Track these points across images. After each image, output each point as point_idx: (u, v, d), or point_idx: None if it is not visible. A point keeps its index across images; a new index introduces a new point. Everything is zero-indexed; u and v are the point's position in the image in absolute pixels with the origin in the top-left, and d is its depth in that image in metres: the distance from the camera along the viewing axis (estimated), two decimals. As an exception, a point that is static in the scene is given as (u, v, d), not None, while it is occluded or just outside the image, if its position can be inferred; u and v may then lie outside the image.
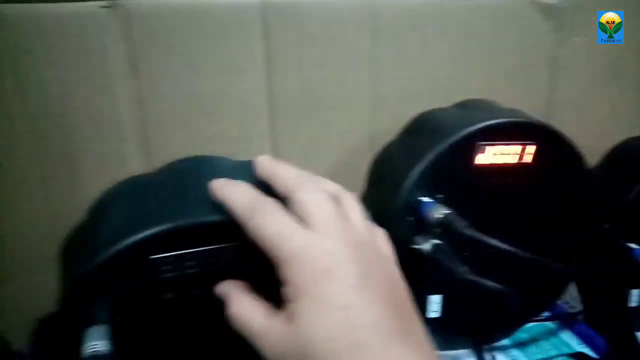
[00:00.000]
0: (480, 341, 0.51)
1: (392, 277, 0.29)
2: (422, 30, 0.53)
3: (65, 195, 0.47)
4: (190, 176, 0.34)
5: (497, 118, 0.44)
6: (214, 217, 0.30)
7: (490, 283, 0.40)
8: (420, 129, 0.48)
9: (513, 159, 0.45)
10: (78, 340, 0.28)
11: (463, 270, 0.40)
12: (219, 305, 0.30)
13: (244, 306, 0.29)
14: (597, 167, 0.56)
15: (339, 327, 0.25)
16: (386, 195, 0.45)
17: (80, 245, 0.33)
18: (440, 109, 0.51)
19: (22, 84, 0.44)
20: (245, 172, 0.32)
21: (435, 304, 0.48)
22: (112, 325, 0.29)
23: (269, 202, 0.29)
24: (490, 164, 0.44)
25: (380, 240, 0.31)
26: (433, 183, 0.43)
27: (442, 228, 0.41)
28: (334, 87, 0.52)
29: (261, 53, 0.49)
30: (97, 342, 0.28)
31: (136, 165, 0.49)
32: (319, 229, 0.27)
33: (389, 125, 0.52)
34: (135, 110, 0.48)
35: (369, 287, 0.26)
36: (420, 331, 0.28)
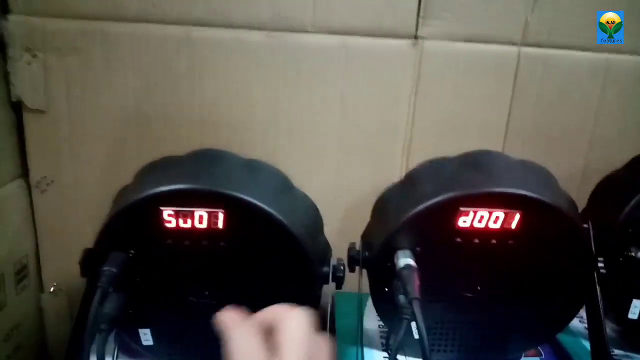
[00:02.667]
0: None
1: None
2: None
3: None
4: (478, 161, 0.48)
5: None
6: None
7: None
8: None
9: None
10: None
11: None
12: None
13: (242, 343, 0.32)
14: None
15: None
16: (610, 212, 0.54)
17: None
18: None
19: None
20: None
21: (636, 308, 0.55)
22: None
23: (249, 322, 0.32)
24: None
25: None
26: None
27: None
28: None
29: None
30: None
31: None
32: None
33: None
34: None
35: None
36: None
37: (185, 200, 0.43)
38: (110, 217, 0.45)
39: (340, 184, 0.66)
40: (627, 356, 0.57)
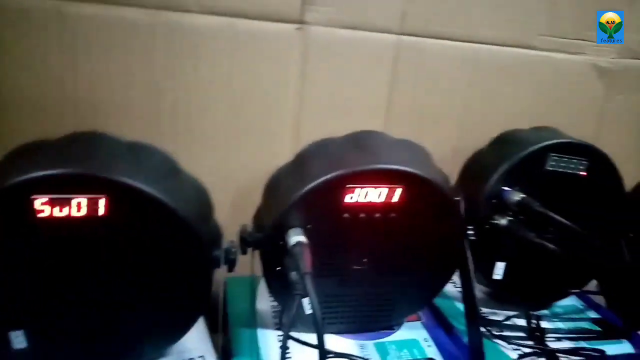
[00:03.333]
0: (530, 305, 0.64)
1: None
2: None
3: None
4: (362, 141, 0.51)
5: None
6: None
7: (551, 246, 0.56)
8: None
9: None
10: None
11: (531, 235, 0.57)
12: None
13: None
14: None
15: None
16: (476, 186, 0.61)
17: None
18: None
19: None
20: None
21: (499, 269, 0.62)
22: None
23: None
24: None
25: None
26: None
27: (519, 207, 0.59)
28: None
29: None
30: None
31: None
32: None
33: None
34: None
35: None
36: None
37: (60, 186, 0.39)
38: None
39: (229, 167, 0.65)
40: (494, 312, 0.65)
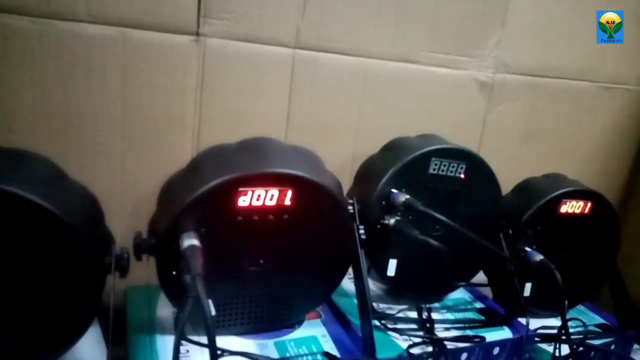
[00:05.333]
0: (422, 299, 0.69)
1: None
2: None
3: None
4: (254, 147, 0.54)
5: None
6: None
7: (433, 242, 0.61)
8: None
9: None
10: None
11: (415, 233, 0.62)
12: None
13: None
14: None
15: None
16: (368, 189, 0.65)
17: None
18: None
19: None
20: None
21: (392, 266, 0.67)
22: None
23: None
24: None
25: None
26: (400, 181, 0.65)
27: (405, 207, 0.63)
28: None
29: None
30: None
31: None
32: None
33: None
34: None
35: None
36: None
37: None
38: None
39: (126, 178, 0.65)
40: (389, 307, 0.69)
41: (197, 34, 0.65)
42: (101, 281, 0.47)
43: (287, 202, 0.52)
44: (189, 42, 0.64)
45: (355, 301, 0.68)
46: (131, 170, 0.65)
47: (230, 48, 0.67)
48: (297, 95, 0.73)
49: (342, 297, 0.68)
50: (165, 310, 0.60)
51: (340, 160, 0.77)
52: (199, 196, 0.48)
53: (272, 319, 0.59)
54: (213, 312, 0.44)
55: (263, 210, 0.52)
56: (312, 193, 0.53)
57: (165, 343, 0.55)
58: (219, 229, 0.51)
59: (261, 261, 0.55)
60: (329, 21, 0.72)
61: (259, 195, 0.51)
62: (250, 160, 0.52)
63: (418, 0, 0.78)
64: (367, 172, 0.69)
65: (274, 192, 0.51)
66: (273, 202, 0.52)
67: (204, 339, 0.52)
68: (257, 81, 0.70)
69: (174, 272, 0.50)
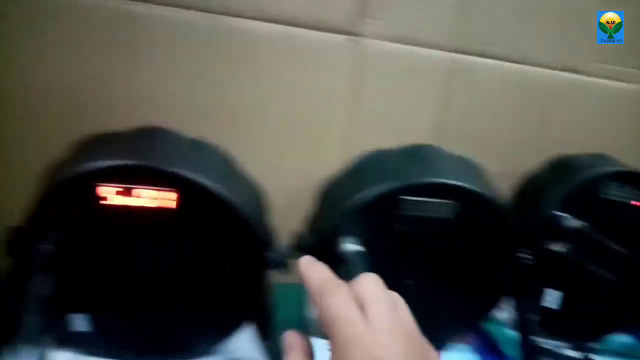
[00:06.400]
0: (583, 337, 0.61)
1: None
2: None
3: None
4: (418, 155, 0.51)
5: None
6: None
7: (611, 276, 0.55)
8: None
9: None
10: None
11: (591, 265, 0.56)
12: None
13: None
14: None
15: None
16: (529, 209, 0.60)
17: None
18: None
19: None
20: None
21: (553, 297, 0.60)
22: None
23: (339, 286, 0.33)
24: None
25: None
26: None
27: (576, 235, 0.56)
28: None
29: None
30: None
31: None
32: (375, 320, 0.31)
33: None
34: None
35: None
36: None
37: (129, 178, 0.40)
38: (44, 193, 0.41)
39: (278, 173, 0.64)
40: (542, 342, 0.62)
41: (353, 33, 0.63)
42: (264, 275, 0.47)
43: (450, 215, 0.48)
44: (344, 42, 0.63)
45: (506, 330, 0.62)
46: (281, 167, 0.65)
47: (386, 49, 0.65)
48: (450, 101, 0.69)
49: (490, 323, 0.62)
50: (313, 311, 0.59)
51: (496, 173, 0.71)
52: (364, 202, 0.46)
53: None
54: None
55: (424, 221, 0.48)
56: (479, 207, 0.49)
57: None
58: (381, 238, 0.48)
59: (417, 275, 0.51)
60: (490, 24, 0.68)
61: (423, 206, 0.47)
62: (415, 168, 0.49)
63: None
64: (531, 191, 0.63)
65: (439, 203, 0.48)
66: (436, 214, 0.48)
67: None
68: (411, 85, 0.67)
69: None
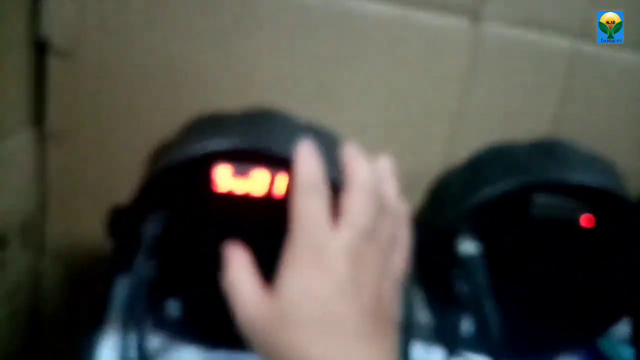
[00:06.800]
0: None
1: (383, 292, 0.31)
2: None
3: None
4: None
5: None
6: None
7: None
8: None
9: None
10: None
11: None
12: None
13: (239, 274, 0.33)
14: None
15: (317, 315, 0.28)
16: None
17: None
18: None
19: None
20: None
21: None
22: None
23: (321, 189, 0.32)
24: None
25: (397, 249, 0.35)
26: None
27: None
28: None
29: None
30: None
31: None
32: (341, 243, 0.30)
33: None
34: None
35: (357, 294, 0.29)
36: (391, 341, 0.31)
37: (246, 161, 0.38)
38: (155, 174, 0.40)
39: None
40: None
41: (475, 17, 0.58)
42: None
43: (584, 220, 0.44)
44: (463, 25, 0.59)
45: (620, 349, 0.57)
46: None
47: (509, 34, 0.60)
48: (575, 95, 0.63)
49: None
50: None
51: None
52: (489, 198, 0.43)
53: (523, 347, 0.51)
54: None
55: (556, 225, 0.44)
56: (619, 214, 0.44)
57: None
58: (501, 240, 0.45)
59: (536, 283, 0.47)
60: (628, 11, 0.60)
61: (557, 208, 0.43)
62: (551, 164, 0.44)
63: None
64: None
65: (577, 206, 0.43)
66: (571, 217, 0.43)
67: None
68: (530, 75, 0.61)
69: (439, 277, 0.45)
